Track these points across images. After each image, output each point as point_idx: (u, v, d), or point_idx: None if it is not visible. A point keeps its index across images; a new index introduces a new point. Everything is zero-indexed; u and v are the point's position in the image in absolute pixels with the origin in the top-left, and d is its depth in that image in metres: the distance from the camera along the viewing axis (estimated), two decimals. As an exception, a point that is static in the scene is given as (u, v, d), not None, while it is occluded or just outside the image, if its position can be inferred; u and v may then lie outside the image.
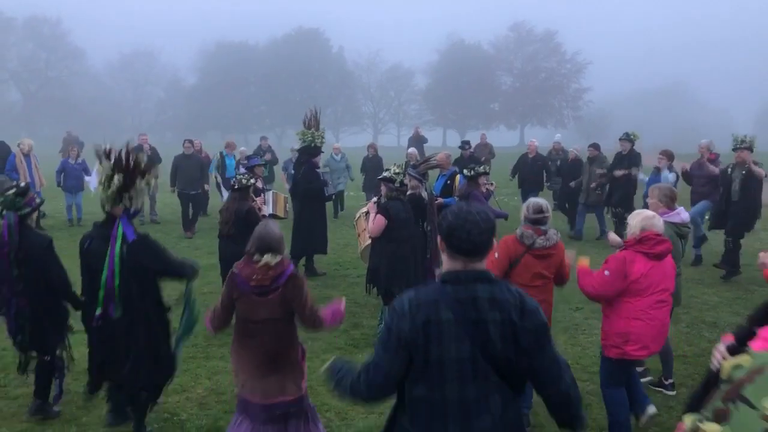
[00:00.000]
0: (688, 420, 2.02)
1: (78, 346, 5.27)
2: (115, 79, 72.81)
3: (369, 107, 74.20)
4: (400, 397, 2.52)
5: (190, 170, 13.31)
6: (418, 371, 2.39)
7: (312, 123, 9.32)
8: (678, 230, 5.28)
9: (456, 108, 68.46)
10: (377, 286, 6.82)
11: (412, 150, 13.79)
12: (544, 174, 14.02)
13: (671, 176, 10.89)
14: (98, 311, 4.39)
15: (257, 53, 70.93)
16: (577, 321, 7.77)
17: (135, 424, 4.75)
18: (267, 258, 3.85)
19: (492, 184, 8.61)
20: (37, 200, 5.16)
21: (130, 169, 4.35)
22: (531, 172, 13.87)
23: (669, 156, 11.24)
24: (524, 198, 13.81)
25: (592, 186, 12.57)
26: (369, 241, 8.08)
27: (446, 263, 2.49)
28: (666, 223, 5.05)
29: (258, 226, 4.00)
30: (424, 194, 7.68)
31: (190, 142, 13.89)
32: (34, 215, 5.06)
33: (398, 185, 6.93)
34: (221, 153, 14.34)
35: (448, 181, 9.00)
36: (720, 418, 1.89)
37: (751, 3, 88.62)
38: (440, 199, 8.64)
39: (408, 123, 67.77)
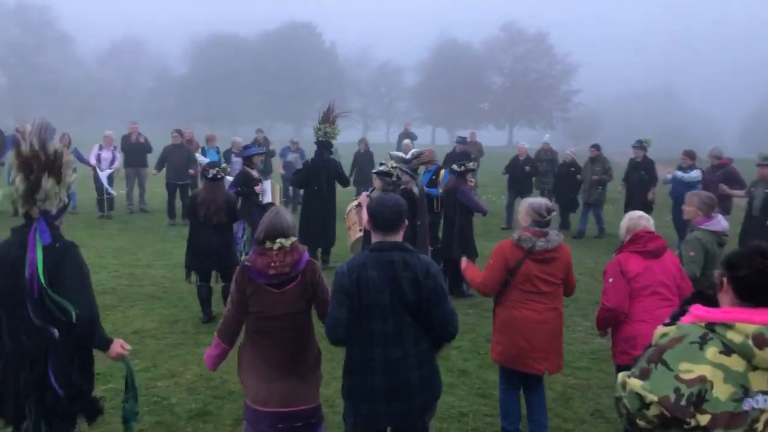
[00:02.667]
0: (620, 376, 2.39)
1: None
2: (104, 67, 72.20)
3: (359, 103, 74.16)
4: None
5: (178, 160, 13.39)
6: (353, 314, 3.31)
7: (327, 117, 9.48)
8: (718, 239, 5.09)
9: (446, 106, 68.54)
10: None
11: (408, 141, 13.92)
12: (533, 179, 14.27)
13: (696, 173, 11.22)
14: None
15: (248, 46, 70.62)
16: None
17: None
18: (281, 241, 3.57)
19: (473, 180, 8.73)
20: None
21: (38, 164, 3.39)
22: (521, 173, 14.07)
23: (691, 155, 11.49)
24: (512, 198, 14.02)
25: (594, 179, 12.83)
26: (360, 234, 8.20)
27: (373, 237, 3.47)
28: (706, 231, 5.04)
29: (268, 213, 3.72)
30: (416, 190, 7.82)
31: (179, 132, 13.92)
32: None
33: (394, 179, 7.07)
34: (202, 147, 14.27)
35: (433, 176, 9.17)
36: (643, 375, 2.28)
37: (738, 10, 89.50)
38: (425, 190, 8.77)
39: (398, 120, 67.89)
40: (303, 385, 3.68)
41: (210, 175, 7.30)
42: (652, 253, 4.32)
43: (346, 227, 9.12)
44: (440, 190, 8.97)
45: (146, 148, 14.26)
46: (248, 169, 8.69)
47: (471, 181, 8.55)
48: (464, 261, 4.90)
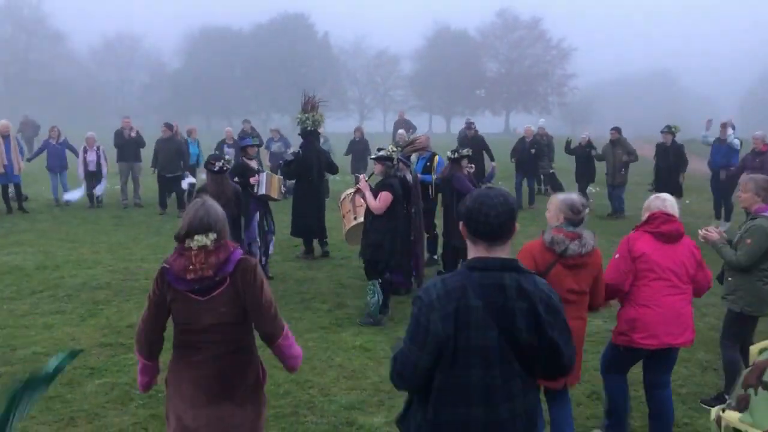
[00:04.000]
0: (714, 411, 1.99)
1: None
2: (98, 63, 71.96)
3: (355, 92, 73.93)
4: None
5: (168, 153, 13.63)
6: (445, 358, 2.36)
7: (309, 106, 9.46)
8: None
9: (442, 94, 68.46)
10: (380, 260, 6.89)
11: (402, 132, 13.92)
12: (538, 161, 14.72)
13: (737, 142, 11.78)
14: None
15: (242, 38, 70.31)
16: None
17: None
18: (200, 239, 2.99)
19: (472, 166, 8.68)
20: None
21: None
22: (527, 156, 14.46)
23: (730, 125, 11.97)
24: (519, 179, 14.27)
25: (625, 159, 13.14)
26: (354, 222, 8.15)
27: (471, 250, 2.47)
28: (765, 218, 4.76)
29: (192, 205, 3.14)
30: (409, 177, 7.80)
31: (168, 126, 14.15)
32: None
33: (394, 163, 7.07)
34: (185, 140, 14.35)
35: (428, 163, 9.14)
36: (741, 405, 1.84)
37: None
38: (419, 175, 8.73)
39: (394, 108, 67.56)
40: (240, 413, 3.04)
41: (216, 168, 7.41)
42: (665, 236, 4.18)
43: (339, 216, 9.07)
44: (434, 176, 8.94)
45: (139, 142, 14.26)
46: (245, 160, 8.69)
47: (469, 167, 8.49)
48: None
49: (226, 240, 3.07)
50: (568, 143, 14.68)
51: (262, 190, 8.25)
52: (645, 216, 4.32)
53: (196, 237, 2.99)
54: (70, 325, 6.71)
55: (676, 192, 12.03)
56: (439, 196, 8.96)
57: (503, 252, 2.42)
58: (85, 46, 71.41)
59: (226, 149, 14.93)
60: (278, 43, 66.78)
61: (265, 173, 8.49)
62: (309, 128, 9.46)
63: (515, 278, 2.37)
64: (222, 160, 7.49)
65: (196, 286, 2.96)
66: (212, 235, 3.00)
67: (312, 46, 69.53)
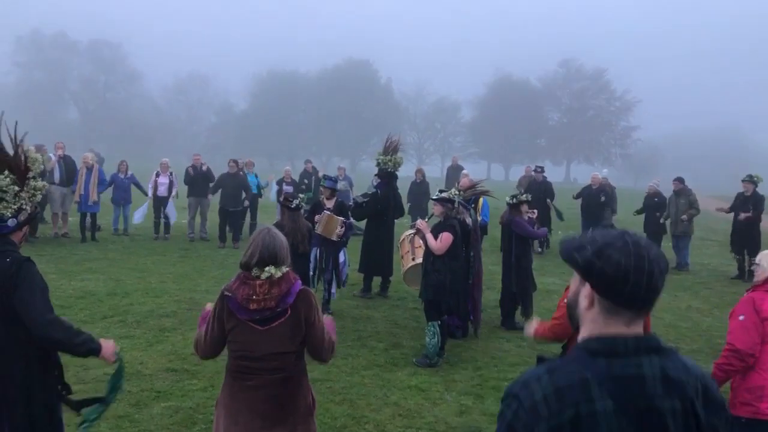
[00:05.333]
0: None
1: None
2: (169, 102, 75.19)
3: (414, 137, 74.78)
4: None
5: (232, 188, 14.28)
6: None
7: (391, 149, 9.80)
8: None
9: (502, 142, 68.55)
10: (441, 301, 6.98)
11: (466, 172, 14.13)
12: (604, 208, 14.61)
13: None
14: None
15: (308, 81, 72.48)
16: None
17: None
18: (270, 270, 3.04)
19: (534, 212, 8.76)
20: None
21: None
22: (595, 203, 14.45)
23: None
24: (585, 229, 14.19)
25: (682, 218, 13.07)
26: (413, 263, 8.27)
27: (594, 324, 1.67)
28: None
29: (259, 232, 3.19)
30: (469, 220, 7.85)
31: (234, 161, 14.85)
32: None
33: (455, 206, 7.22)
34: (245, 173, 14.98)
35: (473, 205, 9.24)
36: None
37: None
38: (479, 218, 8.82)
39: (453, 155, 68.22)
40: None
41: (293, 205, 7.79)
42: None
43: (399, 256, 9.21)
44: (479, 218, 8.99)
45: (209, 177, 14.77)
46: (322, 198, 9.17)
47: (529, 212, 8.59)
48: (535, 325, 4.35)
49: (289, 271, 3.12)
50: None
51: (318, 230, 8.48)
52: (765, 275, 3.98)
53: (266, 268, 3.03)
54: (137, 350, 6.99)
55: (751, 245, 11.83)
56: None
57: (639, 326, 1.67)
58: (157, 85, 74.67)
59: (284, 187, 15.46)
60: (342, 88, 68.52)
61: (324, 212, 8.68)
62: (390, 169, 9.76)
63: (657, 364, 1.62)
64: (298, 198, 7.93)
65: (258, 316, 3.00)
66: (284, 268, 3.07)
67: (375, 91, 70.94)
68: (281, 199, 8.37)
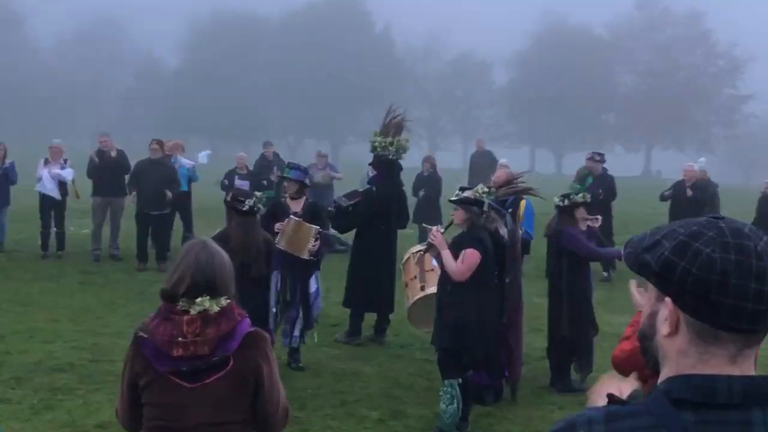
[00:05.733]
0: None
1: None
2: (66, 59, 74.70)
3: (424, 111, 74.67)
4: None
5: (154, 182, 13.99)
6: None
7: (393, 127, 9.79)
8: None
9: (551, 118, 68.41)
10: (463, 350, 6.96)
11: (504, 162, 14.07)
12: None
13: None
14: None
15: (269, 28, 72.27)
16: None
17: None
18: (204, 302, 3.02)
19: (597, 218, 8.73)
20: None
21: None
22: (689, 205, 14.47)
23: None
24: None
25: None
26: (422, 294, 8.27)
27: (682, 359, 1.60)
28: None
29: (188, 245, 3.26)
30: (505, 231, 7.79)
31: (158, 143, 14.63)
32: None
33: (485, 210, 7.12)
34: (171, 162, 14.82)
35: (510, 210, 9.22)
36: None
37: None
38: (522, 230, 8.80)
39: (478, 137, 68.04)
40: None
41: (245, 208, 7.57)
42: None
43: (402, 283, 9.20)
44: (520, 229, 8.94)
45: (123, 166, 14.66)
46: (286, 196, 9.15)
47: (589, 220, 8.54)
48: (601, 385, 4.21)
49: (232, 304, 3.12)
50: None
51: (281, 244, 8.33)
52: None
53: (198, 299, 3.01)
54: (18, 420, 6.96)
55: None
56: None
57: (751, 363, 1.58)
58: (49, 35, 74.15)
59: (237, 182, 15.39)
60: (319, 38, 68.19)
61: (290, 219, 8.49)
62: (391, 156, 9.77)
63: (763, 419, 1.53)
64: (254, 197, 7.75)
65: (184, 367, 2.97)
66: (225, 300, 3.07)
67: (367, 43, 70.72)
68: (228, 198, 8.29)
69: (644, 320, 1.67)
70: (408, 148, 10.02)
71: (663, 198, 15.56)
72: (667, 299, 1.57)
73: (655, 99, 67.42)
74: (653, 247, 1.57)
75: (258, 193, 8.09)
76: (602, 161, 15.13)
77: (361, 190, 10.46)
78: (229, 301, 3.09)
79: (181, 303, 3.02)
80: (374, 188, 9.84)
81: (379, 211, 9.67)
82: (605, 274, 14.04)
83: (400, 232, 10.44)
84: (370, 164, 10.13)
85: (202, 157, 15.00)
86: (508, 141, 69.57)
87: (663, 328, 1.60)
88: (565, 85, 66.57)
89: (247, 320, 3.12)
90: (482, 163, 19.59)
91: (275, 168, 16.54)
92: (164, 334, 2.96)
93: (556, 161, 70.24)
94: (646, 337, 1.66)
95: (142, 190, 14.11)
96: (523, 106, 69.87)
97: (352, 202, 9.84)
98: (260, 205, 7.89)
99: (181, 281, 3.04)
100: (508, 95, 72.22)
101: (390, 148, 9.74)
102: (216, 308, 3.01)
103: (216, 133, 67.73)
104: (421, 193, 16.31)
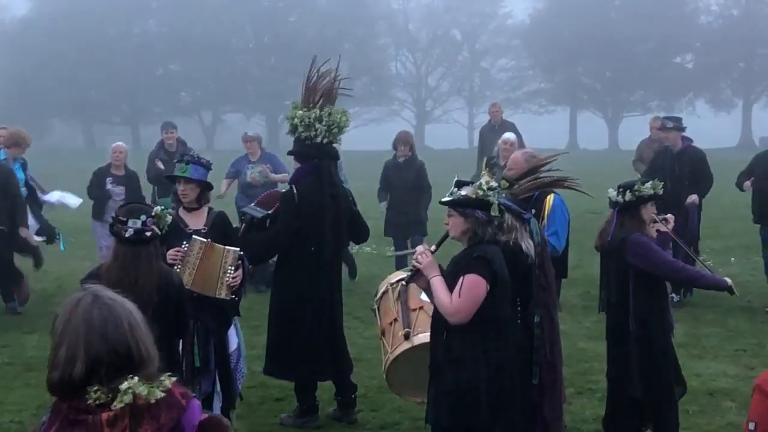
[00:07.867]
0: None
1: None
2: None
3: (409, 65, 74.97)
4: None
5: None
6: None
7: (320, 94, 9.66)
8: None
9: (596, 70, 68.90)
10: (470, 426, 6.96)
11: (510, 137, 14.12)
12: None
13: None
14: None
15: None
16: None
17: None
18: (134, 387, 3.06)
19: (667, 218, 8.71)
20: None
21: None
22: None
23: None
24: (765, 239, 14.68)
25: None
26: (407, 345, 8.26)
27: None
28: None
29: (73, 306, 3.21)
30: (527, 244, 7.78)
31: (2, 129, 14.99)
32: None
33: (495, 215, 7.07)
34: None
35: (533, 212, 9.24)
36: None
37: None
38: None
39: (491, 100, 68.39)
40: None
41: (128, 234, 7.23)
42: None
43: (377, 329, 9.19)
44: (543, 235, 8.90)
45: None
46: (178, 208, 8.82)
47: (661, 221, 8.54)
48: None
49: (173, 382, 3.17)
50: None
51: (185, 279, 8.07)
52: None
53: (123, 385, 3.02)
54: None
55: None
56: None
57: None
58: None
59: (111, 187, 15.37)
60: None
61: (192, 243, 8.31)
62: (320, 139, 9.70)
63: None
64: (144, 216, 7.30)
65: None
66: (166, 380, 3.12)
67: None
68: (109, 217, 8.12)
69: None
70: (346, 125, 9.81)
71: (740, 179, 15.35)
72: None
73: (742, 41, 67.98)
74: None
75: (158, 208, 7.66)
76: (679, 128, 15.16)
77: (285, 190, 10.23)
78: (166, 377, 3.13)
79: (92, 394, 3.01)
80: (295, 190, 9.62)
81: (306, 225, 9.54)
82: (675, 297, 13.54)
83: (367, 249, 10.42)
84: (289, 153, 9.98)
85: (72, 203, 14.92)
86: (533, 103, 69.94)
87: None
88: (612, 22, 67.19)
89: (196, 403, 3.22)
90: (496, 140, 19.44)
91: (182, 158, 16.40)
92: None
93: (608, 132, 70.30)
94: None
95: None
96: (552, 56, 70.25)
97: (268, 212, 9.67)
98: (158, 228, 7.23)
99: (72, 359, 3.03)
100: (531, 41, 72.46)
101: (317, 125, 9.64)
102: (158, 394, 3.04)
103: (81, 109, 67.20)
104: (394, 192, 16.17)
